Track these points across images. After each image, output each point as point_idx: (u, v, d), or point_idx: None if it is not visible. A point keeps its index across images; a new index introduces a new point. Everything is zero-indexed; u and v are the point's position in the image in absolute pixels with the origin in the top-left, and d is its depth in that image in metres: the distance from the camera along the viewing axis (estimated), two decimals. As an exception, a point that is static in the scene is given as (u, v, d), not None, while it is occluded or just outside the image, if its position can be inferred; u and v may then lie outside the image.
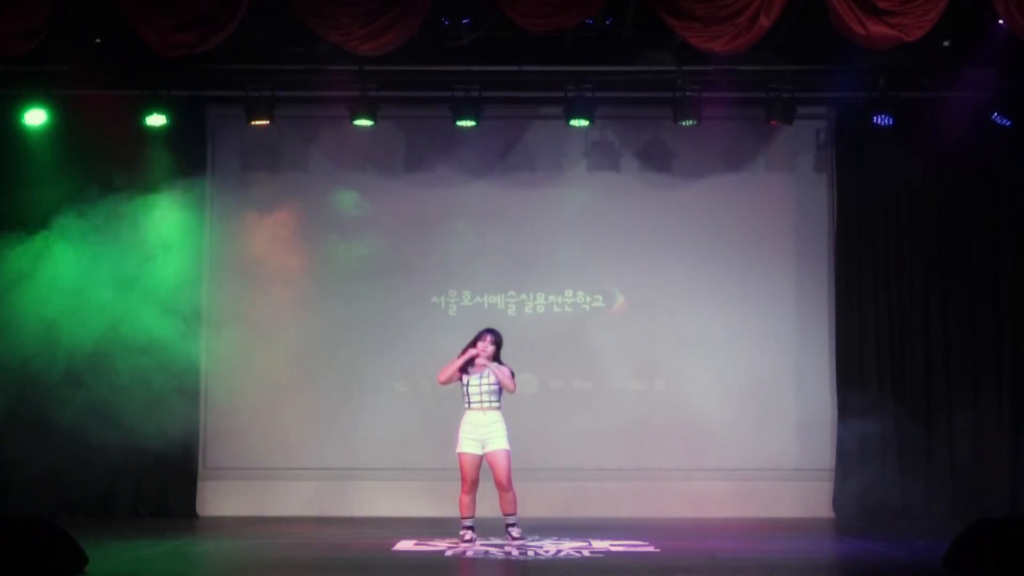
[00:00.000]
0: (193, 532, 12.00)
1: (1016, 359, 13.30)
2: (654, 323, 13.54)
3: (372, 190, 13.54)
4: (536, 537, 10.58)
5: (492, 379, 10.14)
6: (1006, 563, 7.95)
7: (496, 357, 10.28)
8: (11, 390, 12.68)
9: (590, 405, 13.44)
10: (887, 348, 13.34)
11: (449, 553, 9.67)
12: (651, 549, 10.01)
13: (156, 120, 12.67)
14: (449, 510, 13.00)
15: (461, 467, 10.16)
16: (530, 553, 9.62)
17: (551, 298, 13.66)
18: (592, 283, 13.65)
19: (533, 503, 13.16)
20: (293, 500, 13.34)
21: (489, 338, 10.25)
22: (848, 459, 13.15)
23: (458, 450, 10.17)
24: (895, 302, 13.41)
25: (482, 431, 10.10)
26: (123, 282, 12.70)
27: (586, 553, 9.67)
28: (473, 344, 10.28)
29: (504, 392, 10.24)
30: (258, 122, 12.80)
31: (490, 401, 10.17)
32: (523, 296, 13.67)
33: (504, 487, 10.12)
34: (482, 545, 10.07)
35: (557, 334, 13.56)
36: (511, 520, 10.21)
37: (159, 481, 13.21)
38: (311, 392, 13.37)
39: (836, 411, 13.32)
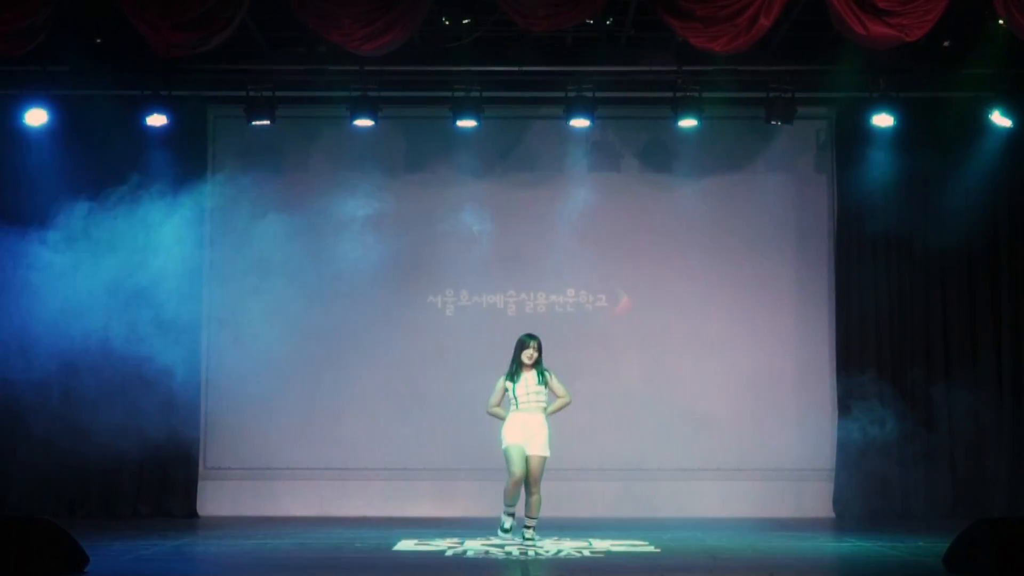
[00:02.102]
0: (193, 532, 11.99)
1: (1016, 359, 13.30)
2: (654, 323, 13.54)
3: (372, 190, 13.53)
4: (536, 537, 10.57)
5: (541, 384, 10.17)
6: (1006, 563, 7.95)
7: (539, 361, 10.26)
8: (11, 389, 12.67)
9: (590, 405, 13.41)
10: (887, 348, 13.35)
11: (449, 553, 9.67)
12: (651, 549, 10.00)
13: (156, 120, 12.67)
14: (449, 510, 13.07)
15: (511, 460, 10.11)
16: (530, 553, 9.62)
17: (552, 297, 13.66)
18: (591, 283, 13.65)
19: (533, 503, 13.20)
20: (293, 500, 13.33)
21: (532, 343, 10.25)
22: (848, 459, 13.15)
23: (505, 444, 10.16)
24: (895, 302, 13.42)
25: (528, 431, 10.14)
26: (123, 282, 12.69)
27: (586, 553, 9.67)
28: (518, 353, 10.24)
29: (551, 396, 10.27)
30: (258, 122, 12.81)
31: (536, 403, 10.21)
32: (523, 296, 13.67)
33: (532, 490, 10.13)
34: (482, 545, 10.07)
35: (556, 334, 13.53)
36: (531, 523, 10.19)
37: (159, 481, 13.22)
38: (311, 392, 13.37)
39: (836, 411, 13.32)
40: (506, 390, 10.27)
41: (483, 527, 11.26)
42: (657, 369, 13.51)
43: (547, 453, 10.16)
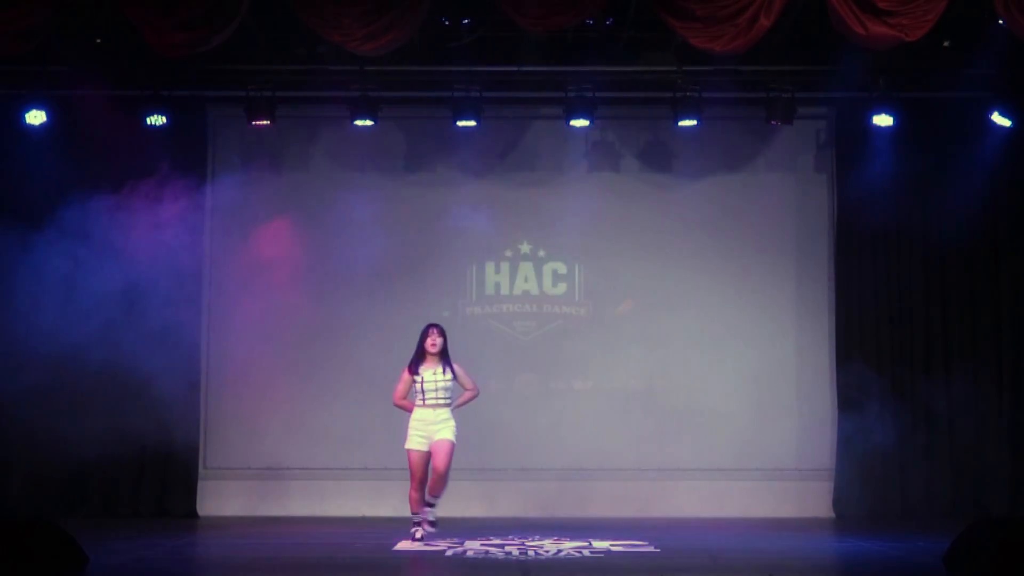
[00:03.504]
0: (193, 532, 12.00)
1: (1017, 359, 13.29)
2: (654, 324, 13.53)
3: (372, 190, 13.54)
4: (536, 537, 10.58)
5: (448, 376, 10.10)
6: (1006, 563, 7.95)
7: (445, 350, 10.19)
8: (11, 389, 12.67)
9: (590, 405, 13.45)
10: (887, 348, 13.34)
11: (449, 553, 9.67)
12: (651, 549, 10.00)
13: (156, 120, 12.68)
14: (449, 510, 13.04)
15: (410, 464, 10.08)
16: (530, 553, 9.62)
17: (552, 297, 13.66)
18: (591, 283, 13.65)
19: (534, 503, 13.20)
20: (293, 500, 13.33)
21: (435, 331, 10.17)
22: (848, 458, 13.14)
23: (406, 446, 10.10)
24: (895, 302, 13.41)
25: (430, 428, 10.06)
26: (122, 282, 12.69)
27: (586, 553, 9.67)
28: (421, 342, 10.17)
29: (458, 390, 10.22)
30: (258, 122, 12.81)
31: (444, 398, 10.13)
32: (523, 295, 13.66)
33: (440, 474, 9.99)
34: (482, 545, 10.08)
35: (556, 333, 13.58)
36: (432, 501, 10.08)
37: (159, 481, 13.21)
38: (311, 392, 13.36)
39: (836, 411, 13.31)
40: (414, 381, 10.13)
41: (483, 527, 11.26)
42: (657, 369, 13.51)
43: (453, 439, 10.03)
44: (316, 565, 9.48)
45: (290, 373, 13.28)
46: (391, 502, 13.26)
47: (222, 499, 13.36)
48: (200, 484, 13.32)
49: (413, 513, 10.19)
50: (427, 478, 10.11)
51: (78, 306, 12.46)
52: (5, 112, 12.79)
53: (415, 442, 10.09)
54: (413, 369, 10.16)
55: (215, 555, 10.47)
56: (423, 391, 10.11)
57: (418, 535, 10.11)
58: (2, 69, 12.21)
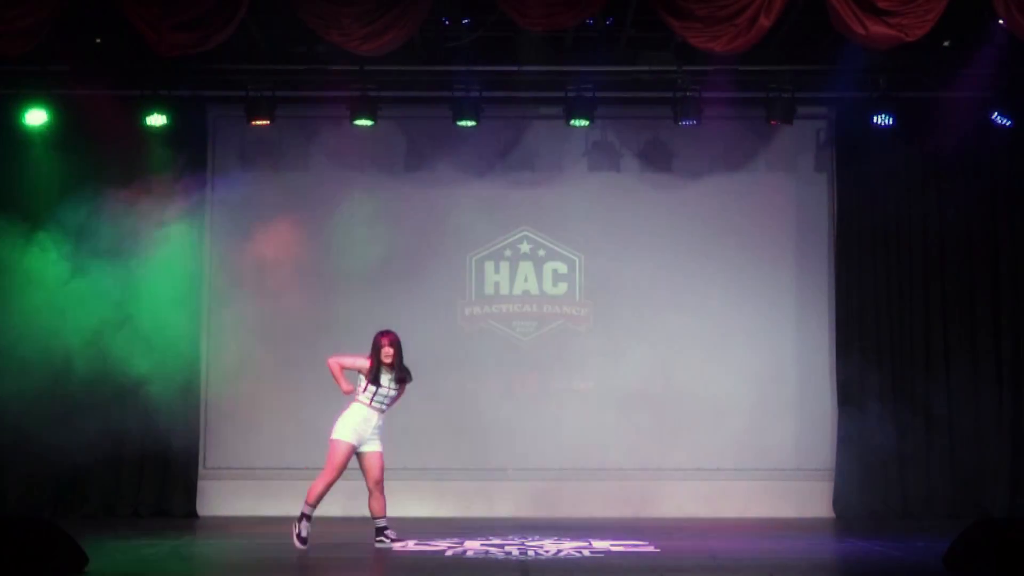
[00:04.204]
0: (193, 532, 12.00)
1: (1016, 359, 13.29)
2: (654, 324, 13.53)
3: (372, 190, 13.53)
4: (536, 537, 10.59)
5: (395, 387, 10.07)
6: (1006, 563, 7.95)
7: (399, 360, 10.10)
8: (11, 391, 12.66)
9: (590, 405, 13.44)
10: (887, 348, 13.34)
11: (449, 553, 9.67)
12: (651, 549, 10.01)
13: (156, 120, 12.67)
14: (449, 510, 13.07)
15: (335, 456, 9.97)
16: (530, 553, 9.62)
17: (552, 297, 13.65)
18: (591, 283, 13.65)
19: (534, 503, 13.20)
20: (293, 500, 13.21)
21: (386, 341, 10.04)
22: (848, 458, 13.14)
23: (336, 436, 10.01)
24: (895, 302, 13.41)
25: (368, 430, 10.04)
26: (122, 283, 12.70)
27: (586, 553, 9.67)
28: (376, 352, 10.05)
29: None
30: (258, 122, 12.81)
31: (388, 405, 10.13)
32: (523, 295, 13.66)
33: (380, 488, 10.06)
34: (482, 545, 10.08)
35: (556, 333, 13.57)
36: (382, 524, 10.09)
37: (159, 481, 13.20)
38: (311, 392, 13.30)
39: (836, 411, 13.31)
40: (367, 384, 10.01)
41: (483, 527, 11.26)
42: (657, 369, 13.49)
43: (382, 448, 10.07)
44: (316, 565, 9.48)
45: (290, 372, 13.27)
46: (391, 502, 13.24)
47: (222, 499, 13.36)
48: (200, 484, 13.31)
49: (308, 505, 10.02)
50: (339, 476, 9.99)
51: (77, 306, 12.46)
52: (5, 112, 12.79)
53: (349, 435, 9.99)
54: (374, 380, 10.03)
55: (215, 555, 10.47)
56: (375, 395, 10.05)
57: (304, 532, 9.95)
58: (2, 69, 12.21)
